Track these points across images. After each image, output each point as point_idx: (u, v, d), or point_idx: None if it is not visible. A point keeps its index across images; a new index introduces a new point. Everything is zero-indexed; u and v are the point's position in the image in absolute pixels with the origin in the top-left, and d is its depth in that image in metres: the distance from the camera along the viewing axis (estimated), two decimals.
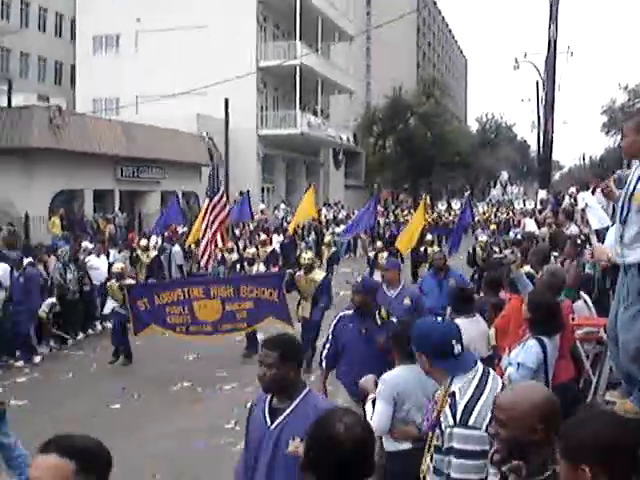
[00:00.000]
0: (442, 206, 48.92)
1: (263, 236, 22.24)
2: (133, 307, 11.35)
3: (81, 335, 15.14)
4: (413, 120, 62.07)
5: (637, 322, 4.21)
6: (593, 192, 11.09)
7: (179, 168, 32.78)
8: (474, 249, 17.57)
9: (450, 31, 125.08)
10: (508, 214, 42.63)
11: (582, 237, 9.19)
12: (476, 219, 40.96)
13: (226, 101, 35.20)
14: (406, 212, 46.55)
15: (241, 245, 21.90)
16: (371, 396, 4.87)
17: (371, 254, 19.20)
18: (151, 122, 30.94)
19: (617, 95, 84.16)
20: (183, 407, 10.05)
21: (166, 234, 22.91)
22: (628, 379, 4.41)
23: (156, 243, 21.07)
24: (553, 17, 23.87)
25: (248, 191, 24.20)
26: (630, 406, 4.35)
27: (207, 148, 35.22)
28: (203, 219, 13.99)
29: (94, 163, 27.37)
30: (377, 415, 4.73)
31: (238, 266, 15.65)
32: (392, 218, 39.97)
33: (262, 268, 14.32)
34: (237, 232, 24.90)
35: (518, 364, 5.20)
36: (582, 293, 7.19)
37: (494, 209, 49.47)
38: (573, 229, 10.69)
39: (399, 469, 4.65)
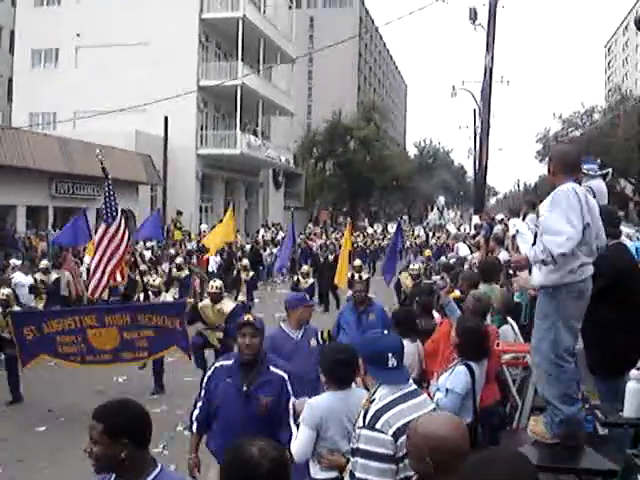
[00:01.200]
0: (378, 229, 49.20)
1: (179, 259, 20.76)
2: (19, 336, 10.16)
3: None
4: (353, 143, 62.69)
5: (543, 344, 4.36)
6: (523, 219, 11.37)
7: (116, 186, 32.19)
8: (398, 279, 16.88)
9: (391, 57, 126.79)
10: (441, 239, 43.08)
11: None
12: (409, 243, 41.45)
13: (166, 119, 35.03)
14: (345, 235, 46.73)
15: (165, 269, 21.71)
16: (300, 419, 4.88)
17: (296, 278, 18.83)
18: (89, 138, 30.50)
19: (551, 124, 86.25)
20: None
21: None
22: (545, 402, 4.54)
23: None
24: (489, 46, 24.34)
25: (159, 209, 24.17)
26: (539, 429, 4.47)
27: (145, 166, 34.90)
28: (97, 247, 11.66)
29: (28, 178, 26.86)
30: (298, 440, 4.73)
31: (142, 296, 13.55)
32: (328, 241, 40.03)
33: (169, 298, 13.19)
34: (172, 251, 24.62)
35: (447, 390, 5.28)
36: (509, 318, 7.32)
37: (430, 233, 49.97)
38: (503, 255, 10.87)
39: None
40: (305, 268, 18.97)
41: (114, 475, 3.09)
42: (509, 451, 2.46)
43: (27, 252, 22.57)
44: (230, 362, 5.48)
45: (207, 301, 11.42)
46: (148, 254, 23.50)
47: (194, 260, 25.99)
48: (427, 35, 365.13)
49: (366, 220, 68.67)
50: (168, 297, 13.10)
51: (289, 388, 5.36)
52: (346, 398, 4.70)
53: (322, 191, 64.05)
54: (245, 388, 5.26)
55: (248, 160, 43.16)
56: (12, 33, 46.81)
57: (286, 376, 5.38)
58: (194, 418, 5.56)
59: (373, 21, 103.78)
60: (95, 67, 38.12)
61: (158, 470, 3.05)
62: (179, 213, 35.40)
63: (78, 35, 39.22)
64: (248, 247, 31.34)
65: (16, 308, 11.63)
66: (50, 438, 9.38)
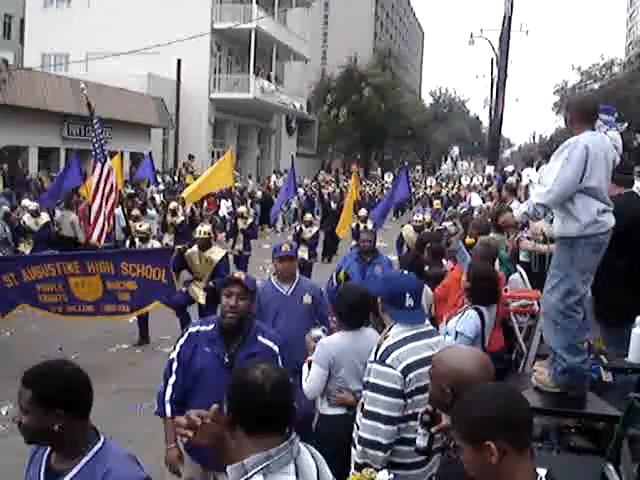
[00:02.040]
0: (389, 178, 48.86)
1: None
2: None
3: None
4: (367, 91, 62.06)
5: (554, 293, 4.36)
6: (537, 169, 11.28)
7: (128, 128, 32.26)
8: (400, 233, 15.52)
9: (409, 2, 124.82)
10: (454, 189, 42.90)
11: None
12: (420, 194, 41.22)
13: (178, 62, 34.76)
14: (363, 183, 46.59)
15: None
16: (309, 358, 4.95)
17: (298, 227, 17.70)
18: (101, 80, 30.32)
19: (570, 76, 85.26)
20: (121, 369, 9.99)
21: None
22: (550, 350, 4.55)
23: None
24: None
25: (150, 152, 22.96)
26: (543, 377, 4.49)
27: (157, 109, 34.74)
28: (96, 189, 11.27)
29: (40, 120, 26.80)
30: (311, 378, 4.83)
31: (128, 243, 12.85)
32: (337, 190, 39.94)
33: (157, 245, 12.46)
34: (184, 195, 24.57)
35: (456, 333, 5.31)
36: (518, 267, 7.31)
37: (443, 184, 49.71)
38: (516, 205, 10.81)
39: (332, 430, 4.76)
40: (308, 216, 17.92)
41: (48, 449, 2.78)
42: (503, 386, 2.48)
43: (39, 193, 22.59)
44: (209, 327, 4.58)
45: (195, 248, 10.46)
46: (159, 198, 23.50)
47: (204, 204, 26.05)
48: None
49: (379, 169, 68.38)
50: (156, 245, 12.42)
51: (280, 364, 4.30)
52: (357, 339, 4.83)
53: (335, 138, 63.64)
54: (227, 359, 4.40)
55: (261, 105, 42.84)
56: None
57: (277, 349, 4.55)
58: (167, 399, 4.57)
59: None
60: (108, 8, 37.65)
61: (100, 444, 2.73)
62: (190, 157, 35.36)
63: None
64: (259, 193, 31.28)
65: None
66: None
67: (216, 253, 10.33)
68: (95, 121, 10.99)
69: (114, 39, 35.01)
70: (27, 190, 23.01)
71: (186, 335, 4.60)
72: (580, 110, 4.43)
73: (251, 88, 39.92)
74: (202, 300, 10.21)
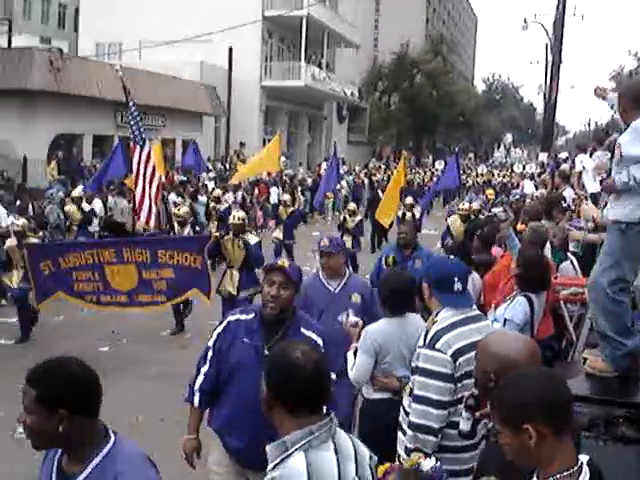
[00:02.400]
0: (439, 166, 48.39)
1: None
2: (35, 271, 9.29)
3: None
4: (419, 77, 61.60)
5: (602, 279, 4.28)
6: (590, 155, 11.08)
7: (180, 116, 32.58)
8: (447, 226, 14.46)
9: None
10: (506, 177, 42.34)
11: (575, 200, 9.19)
12: (471, 182, 40.71)
13: (230, 50, 34.97)
14: (408, 171, 46.33)
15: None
16: (353, 345, 4.96)
17: (342, 216, 17.18)
18: (154, 68, 30.66)
19: (626, 61, 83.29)
20: (171, 352, 10.14)
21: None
22: (601, 336, 4.47)
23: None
24: None
25: (194, 141, 22.21)
26: (601, 364, 4.42)
27: (209, 97, 34.98)
28: (137, 173, 11.53)
29: (94, 108, 27.18)
30: (357, 366, 4.85)
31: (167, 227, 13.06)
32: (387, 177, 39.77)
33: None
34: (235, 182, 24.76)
35: (505, 320, 5.27)
36: (569, 254, 7.20)
37: (496, 171, 49.11)
38: (569, 192, 10.66)
39: (377, 413, 4.80)
40: (352, 205, 17.30)
41: (59, 450, 2.64)
42: (543, 370, 2.47)
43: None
44: (250, 316, 4.26)
45: (230, 234, 10.17)
46: (211, 184, 23.70)
47: (256, 192, 26.20)
48: None
49: (430, 156, 67.91)
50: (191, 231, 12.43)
51: None
52: (402, 325, 4.84)
53: (386, 126, 63.31)
54: (266, 352, 4.01)
55: (312, 93, 42.83)
56: None
57: (321, 342, 4.20)
58: (197, 387, 4.35)
59: None
60: None
61: (110, 445, 2.57)
62: (242, 145, 35.57)
63: None
64: (309, 181, 31.33)
65: (33, 240, 10.93)
66: (112, 358, 9.69)
67: (249, 238, 10.15)
68: (131, 104, 11.27)
69: (166, 28, 35.29)
70: (82, 177, 23.44)
71: (225, 323, 4.30)
72: (633, 96, 4.31)
73: (302, 75, 39.93)
74: (233, 290, 9.97)
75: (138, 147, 11.29)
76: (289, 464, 2.42)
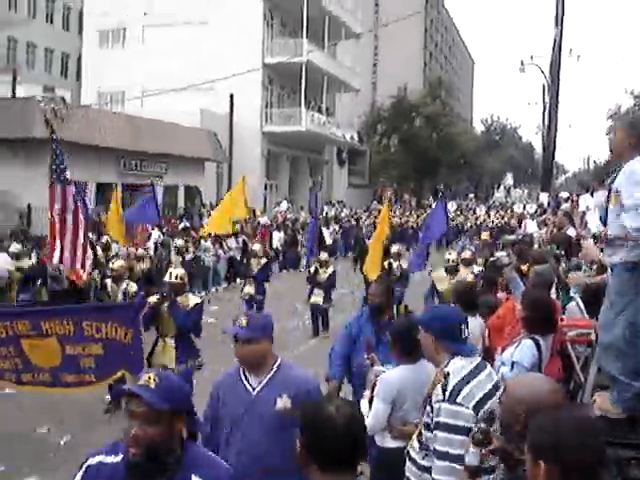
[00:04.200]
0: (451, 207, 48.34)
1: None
2: None
3: None
4: (418, 120, 62.09)
5: (618, 321, 4.28)
6: (592, 194, 11.16)
7: (182, 162, 32.80)
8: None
9: (458, 32, 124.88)
10: (504, 217, 42.29)
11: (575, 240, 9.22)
12: (469, 224, 40.54)
13: (231, 97, 35.35)
14: (408, 213, 46.52)
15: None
16: (367, 393, 4.95)
17: (312, 267, 15.42)
18: (156, 116, 30.96)
19: (623, 100, 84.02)
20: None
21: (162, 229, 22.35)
22: (610, 379, 4.47)
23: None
24: (559, 19, 23.85)
25: (152, 184, 18.26)
26: (609, 406, 4.41)
27: (211, 143, 35.25)
28: (62, 215, 10.14)
29: (98, 155, 27.38)
30: (374, 414, 4.82)
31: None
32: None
33: (133, 289, 10.57)
34: (237, 227, 24.82)
35: (513, 363, 5.24)
36: (575, 296, 7.21)
37: (492, 212, 49.11)
38: (571, 232, 10.71)
39: (394, 463, 4.70)
40: (323, 255, 15.50)
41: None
42: (577, 413, 2.52)
43: (97, 227, 23.04)
44: (116, 459, 3.00)
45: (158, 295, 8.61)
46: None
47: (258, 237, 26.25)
48: (495, 9, 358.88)
49: (431, 198, 68.14)
50: (131, 286, 10.67)
51: None
52: (418, 371, 4.82)
53: (386, 168, 63.65)
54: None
55: (313, 137, 43.22)
56: (80, 14, 47.76)
57: None
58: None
59: None
60: (162, 46, 38.64)
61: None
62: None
63: (145, 14, 39.74)
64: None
65: None
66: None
67: (189, 300, 8.60)
68: (54, 139, 10.55)
69: (168, 76, 35.79)
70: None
71: (84, 469, 3.06)
72: (630, 134, 4.34)
73: (303, 121, 40.32)
74: (170, 364, 8.23)
75: (59, 186, 10.04)
76: None
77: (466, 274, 11.08)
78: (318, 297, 14.66)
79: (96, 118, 27.82)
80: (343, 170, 54.31)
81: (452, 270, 11.66)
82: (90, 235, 12.43)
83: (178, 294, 8.46)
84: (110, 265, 11.00)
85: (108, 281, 10.54)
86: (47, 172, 10.41)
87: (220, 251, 22.53)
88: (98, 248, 16.02)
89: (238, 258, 23.04)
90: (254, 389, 4.20)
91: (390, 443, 4.85)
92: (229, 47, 36.99)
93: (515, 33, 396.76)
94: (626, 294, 4.26)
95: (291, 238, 28.08)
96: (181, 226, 24.42)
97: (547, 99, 32.65)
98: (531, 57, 41.13)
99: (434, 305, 6.87)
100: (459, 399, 3.73)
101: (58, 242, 9.92)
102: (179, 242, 19.56)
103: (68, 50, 53.66)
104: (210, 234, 22.11)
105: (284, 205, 37.80)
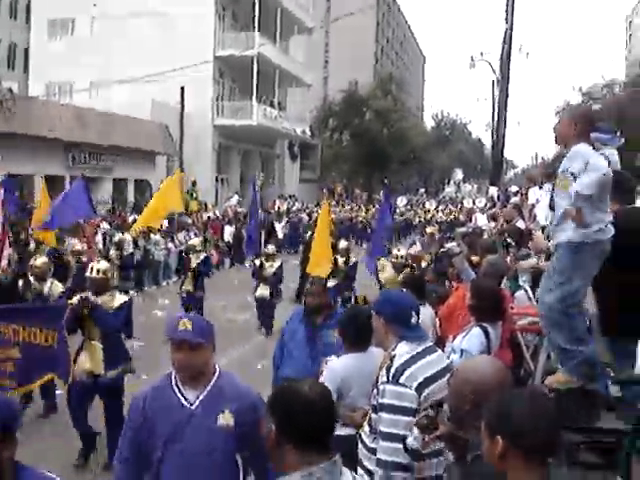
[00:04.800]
0: (401, 202, 48.66)
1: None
2: None
3: None
4: (369, 115, 62.34)
5: (552, 295, 4.42)
6: (540, 188, 11.32)
7: (133, 155, 32.45)
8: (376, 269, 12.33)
9: (409, 27, 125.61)
10: (453, 213, 42.71)
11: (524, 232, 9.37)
12: (418, 220, 40.89)
13: (182, 89, 34.98)
14: (357, 208, 46.72)
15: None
16: (320, 379, 4.97)
17: (257, 261, 14.78)
18: (105, 108, 30.57)
19: (571, 97, 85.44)
20: None
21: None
22: (557, 350, 4.58)
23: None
24: (508, 15, 24.15)
25: (83, 176, 14.73)
26: (561, 377, 4.50)
27: (162, 136, 34.94)
28: None
29: (45, 148, 26.95)
30: None
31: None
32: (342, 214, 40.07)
33: (58, 289, 9.64)
34: (189, 221, 24.72)
35: (462, 350, 5.30)
36: (524, 284, 7.32)
37: (440, 207, 49.59)
38: (520, 224, 10.86)
39: (344, 450, 4.72)
40: (270, 248, 14.92)
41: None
42: (529, 388, 2.59)
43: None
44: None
45: (88, 294, 7.60)
46: (165, 223, 23.58)
47: (209, 231, 26.14)
48: (446, 4, 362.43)
49: (382, 192, 68.46)
50: (55, 285, 9.75)
51: None
52: (364, 359, 4.86)
53: (337, 163, 63.83)
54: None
55: (264, 131, 43.09)
56: (28, 3, 46.83)
57: None
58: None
59: None
60: (111, 37, 38.08)
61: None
62: (194, 184, 35.54)
63: (94, 5, 39.10)
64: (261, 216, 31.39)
65: None
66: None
67: (113, 299, 7.67)
68: None
69: (117, 68, 35.34)
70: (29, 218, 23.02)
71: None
72: (586, 120, 4.47)
73: (254, 114, 40.16)
74: (96, 369, 7.47)
75: None
76: None
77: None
78: (264, 290, 14.19)
79: (43, 110, 27.38)
80: (295, 164, 54.29)
81: (400, 267, 10.91)
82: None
83: (101, 291, 7.59)
84: (32, 262, 9.88)
85: (31, 278, 9.51)
86: None
87: (171, 245, 22.36)
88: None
89: None
90: (191, 403, 3.68)
91: (340, 431, 4.85)
92: (181, 39, 36.59)
93: (465, 29, 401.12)
94: (565, 271, 4.39)
95: (241, 232, 27.98)
96: (130, 219, 24.13)
97: (497, 95, 33.05)
98: (481, 53, 41.54)
99: (386, 290, 6.85)
100: (402, 379, 3.80)
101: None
102: (118, 236, 19.04)
103: (15, 41, 52.56)
104: (160, 228, 21.96)
105: (235, 199, 37.61)
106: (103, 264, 8.00)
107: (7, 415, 2.58)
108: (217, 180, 41.80)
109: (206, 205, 33.24)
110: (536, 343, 6.68)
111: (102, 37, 38.93)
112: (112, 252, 16.27)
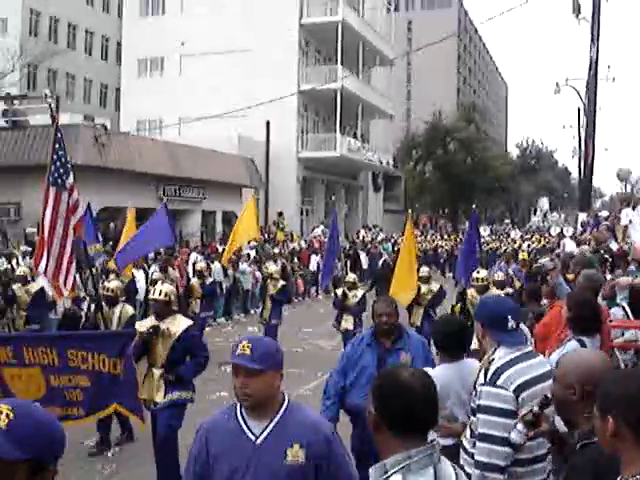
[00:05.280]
0: (484, 232, 47.47)
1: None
2: None
3: None
4: (453, 145, 62.17)
5: None
6: (634, 208, 11.13)
7: (220, 188, 33.15)
8: (462, 296, 12.27)
9: (491, 57, 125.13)
10: (540, 241, 41.31)
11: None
12: (503, 249, 39.81)
13: (267, 123, 35.75)
14: (440, 238, 46.32)
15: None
16: None
17: (339, 290, 13.77)
18: (193, 143, 31.43)
19: None
20: None
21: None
22: None
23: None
24: (594, 40, 23.86)
25: (166, 205, 13.71)
26: None
27: (248, 169, 35.63)
28: (53, 220, 7.86)
29: (137, 181, 27.80)
30: None
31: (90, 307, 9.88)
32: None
33: (129, 313, 9.18)
34: (276, 250, 25.01)
35: (557, 363, 5.24)
36: (620, 301, 7.19)
37: (528, 236, 48.17)
38: (613, 245, 10.69)
39: None
40: (351, 277, 14.00)
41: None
42: (637, 369, 2.58)
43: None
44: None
45: (150, 320, 7.49)
46: (252, 253, 23.97)
47: (295, 260, 26.42)
48: (528, 32, 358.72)
49: (467, 223, 67.82)
50: (127, 309, 9.33)
51: None
52: (460, 369, 4.86)
53: (422, 194, 63.73)
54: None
55: (348, 163, 43.46)
56: (119, 44, 48.77)
57: None
58: None
59: (472, 22, 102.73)
60: (199, 74, 39.31)
61: None
62: (280, 214, 36.08)
63: (182, 44, 40.42)
64: (347, 246, 31.59)
65: None
66: None
67: (177, 324, 7.31)
68: (59, 137, 7.85)
69: (204, 104, 36.37)
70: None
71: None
72: None
73: (338, 146, 40.56)
74: (157, 397, 7.24)
75: (53, 189, 7.82)
76: None
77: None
78: (348, 323, 13.23)
79: (135, 145, 28.31)
80: (378, 195, 54.43)
81: (482, 290, 10.76)
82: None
83: (163, 314, 7.33)
84: (105, 284, 9.63)
85: (103, 304, 8.89)
86: (88, 197, 9.21)
87: (258, 274, 22.69)
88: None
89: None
90: (257, 437, 3.36)
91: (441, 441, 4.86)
92: (265, 74, 37.45)
93: (549, 55, 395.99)
94: None
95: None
96: (220, 249, 24.61)
97: (583, 121, 32.55)
98: (566, 80, 41.07)
99: (486, 295, 6.80)
100: (499, 382, 3.79)
101: (45, 250, 8.13)
102: (200, 265, 18.68)
103: (106, 80, 54.76)
104: (248, 257, 22.39)
105: (319, 230, 37.95)
106: (167, 286, 7.72)
107: (44, 445, 2.05)
108: (302, 212, 42.29)
109: (292, 235, 33.63)
110: (635, 361, 6.56)
111: (189, 74, 40.28)
112: (194, 280, 16.00)
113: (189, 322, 7.44)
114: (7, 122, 25.33)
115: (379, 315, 5.99)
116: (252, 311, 21.82)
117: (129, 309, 9.33)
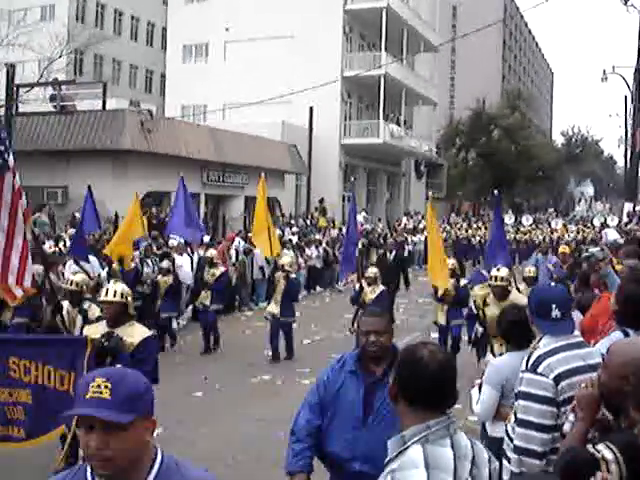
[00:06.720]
0: (509, 220, 45.70)
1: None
2: None
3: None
4: (497, 133, 61.58)
5: None
6: None
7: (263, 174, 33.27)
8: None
9: (537, 43, 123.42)
10: (584, 232, 38.26)
11: None
12: (541, 238, 38.17)
13: (311, 109, 35.76)
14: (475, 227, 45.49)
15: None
16: (477, 381, 5.03)
17: (357, 285, 12.72)
18: (237, 128, 31.60)
19: None
20: (262, 398, 10.25)
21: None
22: None
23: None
24: None
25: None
26: None
27: (291, 156, 35.72)
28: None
29: (182, 166, 28.00)
30: (482, 400, 4.95)
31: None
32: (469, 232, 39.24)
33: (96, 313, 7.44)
34: (318, 237, 25.06)
35: (602, 355, 5.22)
36: None
37: (571, 226, 45.62)
38: None
39: (494, 452, 4.75)
40: (371, 271, 12.50)
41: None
42: None
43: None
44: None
45: (100, 325, 6.32)
46: (295, 239, 24.06)
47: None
48: (575, 19, 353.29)
49: (509, 211, 67.27)
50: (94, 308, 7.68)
51: None
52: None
53: (464, 181, 63.27)
54: None
55: (390, 150, 43.33)
56: (164, 30, 49.13)
57: None
58: None
59: (518, 8, 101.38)
60: (243, 60, 39.45)
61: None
62: (321, 201, 36.14)
63: (227, 30, 40.61)
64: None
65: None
66: (205, 403, 9.95)
67: (133, 333, 6.09)
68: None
69: (248, 89, 36.48)
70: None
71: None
72: None
73: (381, 133, 40.48)
74: None
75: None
76: (406, 455, 2.51)
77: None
78: None
79: (180, 130, 28.55)
80: (421, 183, 54.18)
81: (499, 293, 8.87)
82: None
83: (118, 320, 6.13)
84: (69, 277, 8.18)
85: (64, 303, 7.43)
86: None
87: (300, 260, 22.78)
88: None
89: (318, 266, 23.42)
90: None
91: (501, 433, 4.87)
92: (309, 60, 37.48)
93: (596, 42, 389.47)
94: None
95: (367, 249, 28.18)
96: None
97: (630, 109, 31.99)
98: (613, 67, 40.38)
99: (540, 284, 6.74)
100: (539, 369, 3.82)
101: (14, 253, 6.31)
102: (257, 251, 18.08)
103: (152, 66, 55.26)
104: (290, 242, 22.46)
105: (361, 217, 37.91)
106: (121, 286, 6.40)
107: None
108: (343, 198, 42.28)
109: (334, 222, 33.67)
110: None
111: (234, 60, 40.47)
112: (207, 275, 14.11)
113: (147, 332, 6.21)
114: (55, 107, 25.66)
115: (366, 333, 4.18)
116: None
117: (95, 309, 7.60)
